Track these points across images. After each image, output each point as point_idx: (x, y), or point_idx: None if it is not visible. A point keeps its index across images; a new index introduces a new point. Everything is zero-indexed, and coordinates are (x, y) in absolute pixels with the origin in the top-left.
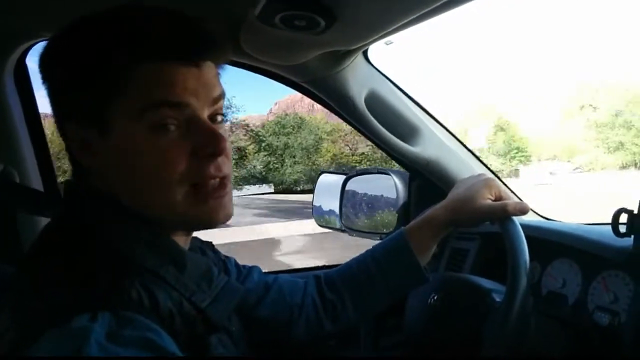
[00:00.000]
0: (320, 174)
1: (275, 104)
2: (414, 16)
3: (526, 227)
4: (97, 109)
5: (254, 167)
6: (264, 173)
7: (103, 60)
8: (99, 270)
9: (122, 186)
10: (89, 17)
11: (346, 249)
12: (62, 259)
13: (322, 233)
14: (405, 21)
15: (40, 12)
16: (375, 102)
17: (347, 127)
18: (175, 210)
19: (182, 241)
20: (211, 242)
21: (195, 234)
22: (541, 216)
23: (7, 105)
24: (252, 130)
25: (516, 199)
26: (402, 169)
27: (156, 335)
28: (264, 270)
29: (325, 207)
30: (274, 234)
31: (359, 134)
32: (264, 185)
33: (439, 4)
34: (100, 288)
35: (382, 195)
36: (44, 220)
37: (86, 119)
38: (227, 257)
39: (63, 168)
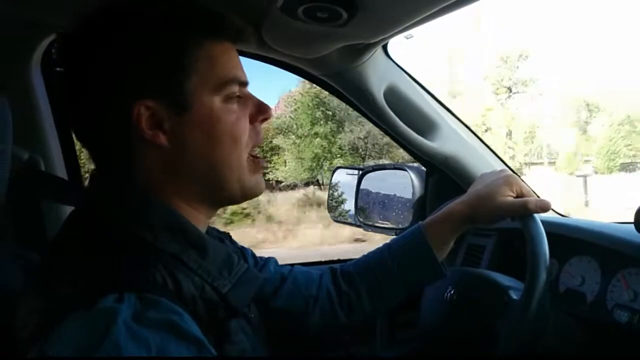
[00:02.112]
0: (335, 170)
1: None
2: (436, 9)
3: (544, 224)
4: (176, 86)
5: None
6: None
7: (176, 38)
8: (122, 255)
9: (196, 157)
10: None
11: None
12: (87, 245)
13: None
14: (427, 14)
15: (69, 4)
16: (394, 96)
17: None
18: (242, 175)
19: (200, 227)
20: (228, 233)
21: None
22: (558, 213)
23: (34, 96)
24: None
25: (537, 197)
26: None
27: (179, 318)
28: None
29: (341, 202)
30: None
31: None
32: None
33: None
34: (126, 271)
35: (398, 191)
36: (68, 208)
37: (163, 96)
38: (244, 247)
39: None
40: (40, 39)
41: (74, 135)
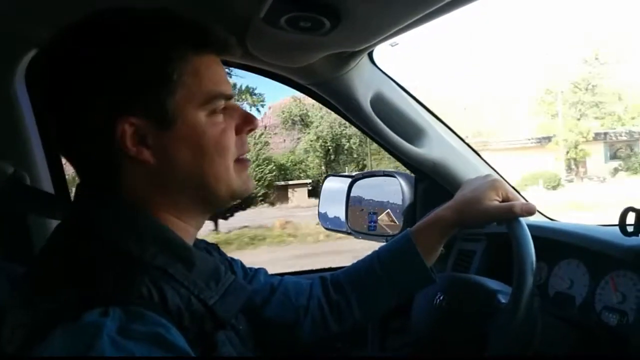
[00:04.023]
0: (325, 177)
1: (269, 107)
2: (418, 17)
3: (532, 228)
4: (160, 101)
5: None
6: None
7: (159, 53)
8: (109, 268)
9: (183, 171)
10: (115, 11)
11: None
12: (72, 258)
13: None
14: (410, 22)
15: (53, 18)
16: (381, 103)
17: None
18: (230, 182)
19: (188, 239)
20: (216, 244)
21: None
22: (546, 217)
23: (19, 110)
24: None
25: (523, 200)
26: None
27: (165, 331)
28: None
29: (331, 210)
30: None
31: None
32: None
33: (443, 3)
34: (111, 285)
35: (388, 198)
36: (54, 222)
37: (147, 113)
38: (232, 258)
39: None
40: (24, 52)
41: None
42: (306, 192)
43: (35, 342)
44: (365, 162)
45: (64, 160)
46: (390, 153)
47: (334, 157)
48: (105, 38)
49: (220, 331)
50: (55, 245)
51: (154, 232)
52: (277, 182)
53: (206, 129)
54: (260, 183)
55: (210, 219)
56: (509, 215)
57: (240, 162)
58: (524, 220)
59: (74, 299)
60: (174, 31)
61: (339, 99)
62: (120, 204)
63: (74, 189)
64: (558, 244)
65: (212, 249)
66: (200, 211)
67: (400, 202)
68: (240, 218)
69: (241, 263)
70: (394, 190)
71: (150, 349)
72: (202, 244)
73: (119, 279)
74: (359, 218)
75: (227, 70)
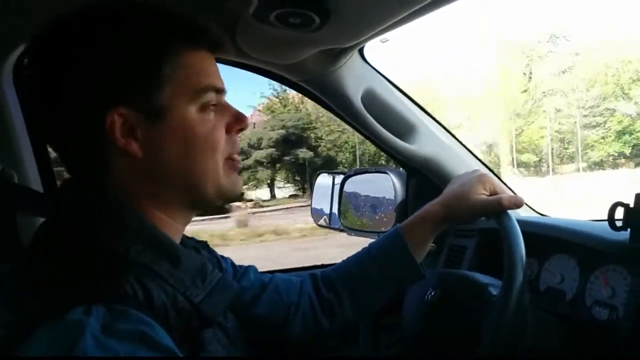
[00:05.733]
0: (318, 174)
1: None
2: (409, 12)
3: (523, 223)
4: (150, 94)
5: None
6: None
7: (154, 47)
8: (92, 266)
9: (171, 166)
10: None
11: None
12: (56, 256)
13: None
14: (399, 18)
15: (41, 13)
16: (372, 100)
17: None
18: (219, 180)
19: (175, 236)
20: (206, 242)
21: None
22: (536, 212)
23: (6, 106)
24: None
25: (510, 193)
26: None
27: (150, 329)
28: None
29: (323, 207)
30: None
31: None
32: None
33: None
34: (94, 283)
35: (380, 194)
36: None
37: (137, 104)
38: (222, 256)
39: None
40: (11, 49)
41: (48, 146)
42: None
43: (18, 341)
44: None
45: (52, 158)
46: (382, 149)
47: None
48: (96, 30)
49: (207, 329)
50: (40, 243)
51: (139, 229)
52: None
53: (196, 124)
54: None
55: None
56: (497, 209)
57: (231, 161)
58: (514, 215)
59: (57, 298)
60: (167, 25)
61: (330, 96)
62: (107, 200)
63: None
64: (549, 239)
65: (200, 246)
66: (187, 208)
67: (392, 198)
68: None
69: (231, 261)
70: (386, 186)
71: (134, 348)
72: (190, 242)
73: (103, 277)
74: (351, 214)
75: None
